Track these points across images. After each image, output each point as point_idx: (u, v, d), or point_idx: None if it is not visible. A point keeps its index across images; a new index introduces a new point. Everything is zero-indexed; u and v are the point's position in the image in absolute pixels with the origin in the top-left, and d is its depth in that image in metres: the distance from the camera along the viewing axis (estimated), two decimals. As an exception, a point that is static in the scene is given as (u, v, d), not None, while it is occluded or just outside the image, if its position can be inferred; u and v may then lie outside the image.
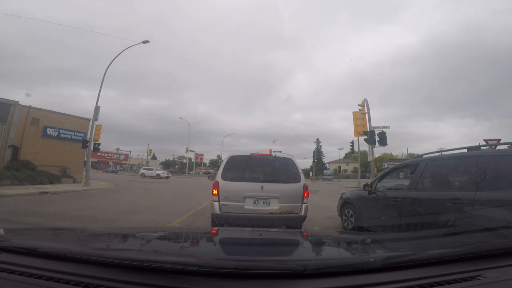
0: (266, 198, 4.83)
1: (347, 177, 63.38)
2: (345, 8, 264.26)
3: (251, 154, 5.22)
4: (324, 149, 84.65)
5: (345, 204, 6.02)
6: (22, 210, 7.39)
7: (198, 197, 12.37)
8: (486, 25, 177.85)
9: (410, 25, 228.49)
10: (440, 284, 1.08)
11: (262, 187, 4.81)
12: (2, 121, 14.91)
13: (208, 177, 38.48)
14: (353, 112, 15.38)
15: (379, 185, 5.14)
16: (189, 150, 50.32)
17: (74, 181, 17.84)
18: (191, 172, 58.35)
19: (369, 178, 19.00)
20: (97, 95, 17.29)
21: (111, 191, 15.14)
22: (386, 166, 37.85)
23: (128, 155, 61.64)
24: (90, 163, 17.84)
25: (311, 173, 53.48)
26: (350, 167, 73.89)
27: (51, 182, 15.30)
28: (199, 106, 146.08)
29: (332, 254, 1.87)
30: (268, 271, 1.09)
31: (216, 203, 4.80)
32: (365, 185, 5.38)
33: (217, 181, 4.93)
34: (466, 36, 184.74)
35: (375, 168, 16.79)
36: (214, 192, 4.85)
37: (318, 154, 69.98)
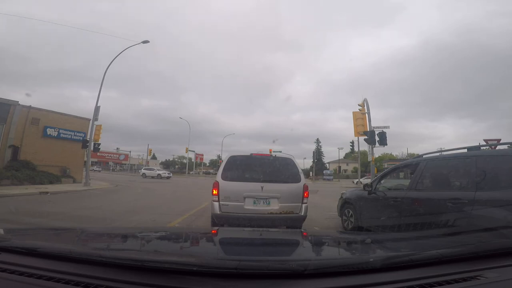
0: (266, 198, 4.83)
1: (347, 177, 63.30)
2: (345, 10, 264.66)
3: (251, 154, 5.21)
4: (324, 149, 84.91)
5: (345, 204, 6.01)
6: (22, 210, 7.39)
7: (198, 197, 12.37)
8: (485, 26, 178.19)
9: (409, 26, 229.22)
10: (440, 284, 1.08)
11: (262, 187, 4.80)
12: (2, 121, 14.91)
13: None
14: (353, 112, 15.31)
15: (379, 185, 5.14)
16: (189, 150, 50.28)
17: (74, 181, 17.83)
18: (191, 172, 58.38)
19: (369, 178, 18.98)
20: (97, 95, 17.33)
21: (111, 191, 15.13)
22: (386, 166, 37.85)
23: (128, 155, 61.55)
24: (90, 163, 17.84)
25: (311, 173, 53.46)
26: (350, 167, 73.83)
27: (51, 182, 15.29)
28: (199, 107, 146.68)
29: (332, 254, 1.87)
30: (268, 271, 1.09)
31: (216, 203, 4.79)
32: (365, 185, 5.37)
33: (217, 181, 4.93)
34: (466, 36, 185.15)
35: (375, 168, 16.75)
36: (214, 192, 4.85)
37: (318, 154, 69.93)
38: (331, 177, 55.57)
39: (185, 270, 1.06)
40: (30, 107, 16.70)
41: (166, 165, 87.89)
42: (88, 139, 17.18)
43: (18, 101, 15.67)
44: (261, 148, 57.39)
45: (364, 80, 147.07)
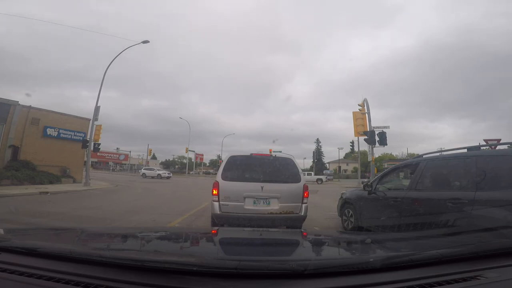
0: (266, 198, 4.83)
1: (347, 177, 63.30)
2: (345, 11, 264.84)
3: (251, 154, 5.21)
4: (324, 149, 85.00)
5: (345, 204, 6.01)
6: (22, 210, 7.39)
7: (198, 197, 12.37)
8: (485, 26, 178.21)
9: (408, 27, 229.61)
10: (440, 284, 1.08)
11: (262, 187, 4.80)
12: (2, 121, 14.90)
13: None
14: (353, 112, 15.34)
15: (379, 185, 5.13)
16: (189, 150, 50.26)
17: (74, 181, 17.83)
18: (191, 172, 58.40)
19: (369, 178, 18.98)
20: (97, 95, 17.32)
21: (111, 191, 15.13)
22: (386, 166, 37.84)
23: (128, 155, 61.51)
24: (90, 163, 17.83)
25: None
26: (350, 167, 73.79)
27: (51, 182, 15.29)
28: (199, 107, 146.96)
29: (332, 254, 1.87)
30: (268, 271, 1.09)
31: (216, 203, 4.79)
32: (365, 185, 5.37)
33: (217, 181, 4.93)
34: (466, 36, 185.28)
35: (375, 168, 16.75)
36: (214, 192, 4.85)
37: (318, 154, 70.03)
38: (331, 177, 55.41)
39: (185, 270, 1.06)
40: (30, 107, 16.70)
41: (166, 165, 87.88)
42: (88, 139, 17.17)
43: (18, 101, 15.68)
44: (261, 148, 57.45)
45: (364, 80, 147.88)
